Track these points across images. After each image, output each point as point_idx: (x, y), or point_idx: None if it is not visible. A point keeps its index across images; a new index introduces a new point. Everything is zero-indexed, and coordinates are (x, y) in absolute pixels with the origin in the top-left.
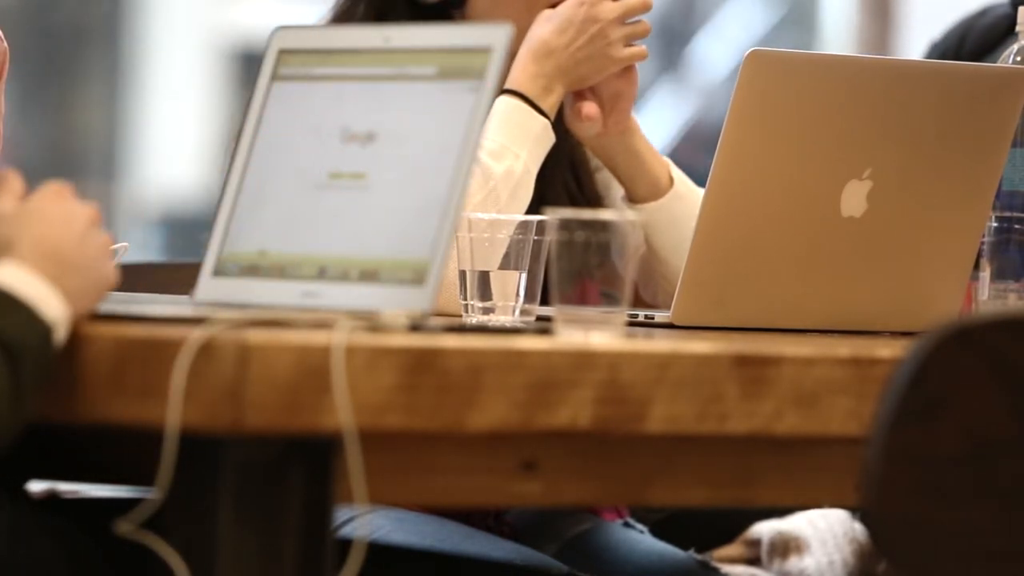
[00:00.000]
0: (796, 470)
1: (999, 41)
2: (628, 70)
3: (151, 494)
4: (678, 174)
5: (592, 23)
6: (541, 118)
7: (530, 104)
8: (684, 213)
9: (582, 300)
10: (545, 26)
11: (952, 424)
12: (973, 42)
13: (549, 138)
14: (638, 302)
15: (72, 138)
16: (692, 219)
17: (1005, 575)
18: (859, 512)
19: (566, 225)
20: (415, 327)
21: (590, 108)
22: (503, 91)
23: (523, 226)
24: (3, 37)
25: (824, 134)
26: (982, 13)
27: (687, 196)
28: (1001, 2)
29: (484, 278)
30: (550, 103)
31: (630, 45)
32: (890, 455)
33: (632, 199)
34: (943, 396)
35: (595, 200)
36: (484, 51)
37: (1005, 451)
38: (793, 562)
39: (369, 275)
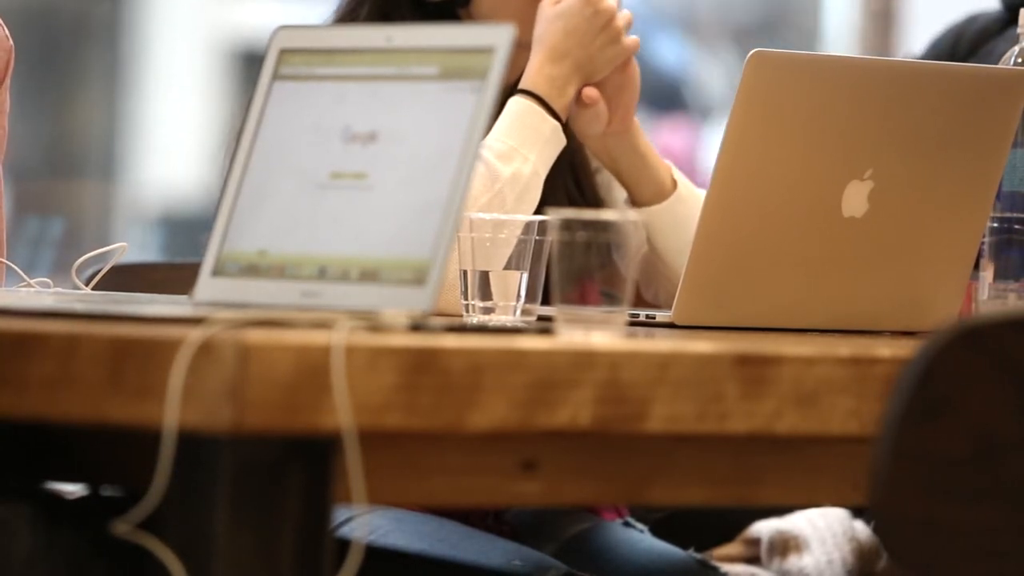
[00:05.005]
0: (796, 470)
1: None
2: (627, 63)
3: (148, 494)
4: (680, 176)
5: (600, 16)
6: (552, 120)
7: (543, 105)
8: (687, 215)
9: (583, 300)
10: (556, 25)
11: (959, 424)
12: (966, 48)
13: (559, 140)
14: (639, 302)
15: (72, 137)
16: (695, 221)
17: (1012, 575)
18: (866, 511)
19: (568, 225)
20: (415, 327)
21: (590, 90)
22: (518, 91)
23: (525, 226)
24: (9, 35)
25: (826, 134)
26: (972, 19)
27: (690, 199)
28: (988, 10)
29: (485, 278)
30: (563, 103)
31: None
32: (897, 455)
33: (636, 202)
34: (950, 396)
35: (595, 203)
36: (487, 51)
37: (1012, 451)
38: (792, 561)
39: (369, 275)
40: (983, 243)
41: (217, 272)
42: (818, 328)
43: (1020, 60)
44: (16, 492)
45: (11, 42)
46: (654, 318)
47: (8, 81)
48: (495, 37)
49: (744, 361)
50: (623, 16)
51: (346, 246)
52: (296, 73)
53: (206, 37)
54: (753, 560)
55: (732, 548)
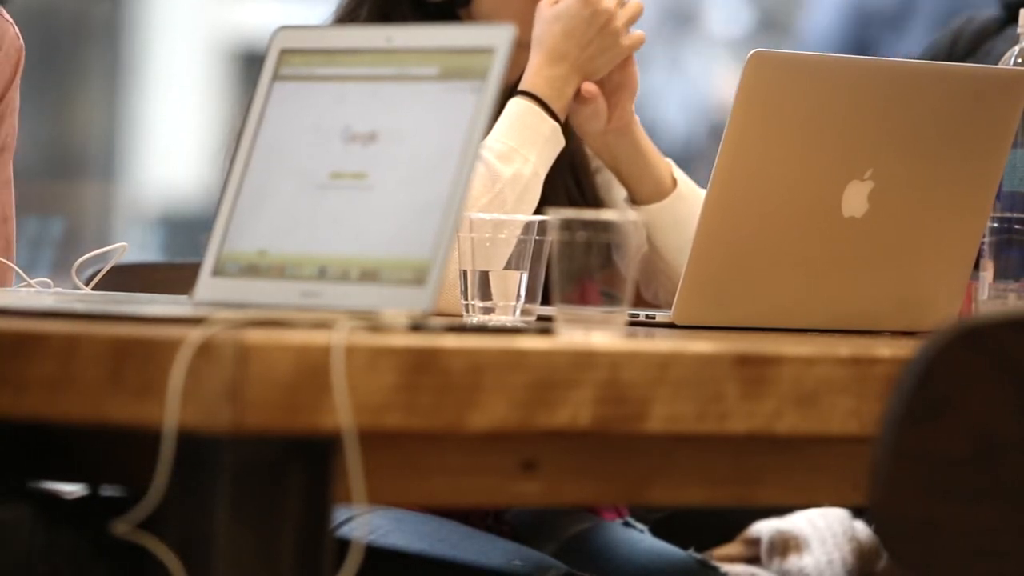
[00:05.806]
0: (796, 470)
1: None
2: (626, 61)
3: (148, 494)
4: (680, 174)
5: (598, 16)
6: (551, 121)
7: (543, 106)
8: (687, 213)
9: (583, 300)
10: (554, 27)
11: (959, 424)
12: (964, 48)
13: (559, 141)
14: (639, 302)
15: (72, 137)
16: (695, 220)
17: (1012, 575)
18: (866, 511)
19: (568, 225)
20: (415, 327)
21: (589, 86)
22: (517, 92)
23: (525, 226)
24: (19, 35)
25: (826, 135)
26: (969, 19)
27: (690, 197)
28: (985, 11)
29: (485, 278)
30: (562, 104)
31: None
32: (897, 454)
33: (636, 200)
34: (950, 396)
35: (595, 203)
36: (486, 51)
37: (1012, 451)
38: (792, 561)
39: (369, 275)
40: (983, 243)
41: (217, 272)
42: (818, 328)
43: (1020, 60)
44: (16, 492)
45: (21, 41)
46: (654, 318)
47: (18, 80)
48: (495, 37)
49: (744, 361)
50: (630, 8)
51: (346, 246)
52: (296, 73)
53: (206, 37)
54: (753, 560)
55: (732, 548)
